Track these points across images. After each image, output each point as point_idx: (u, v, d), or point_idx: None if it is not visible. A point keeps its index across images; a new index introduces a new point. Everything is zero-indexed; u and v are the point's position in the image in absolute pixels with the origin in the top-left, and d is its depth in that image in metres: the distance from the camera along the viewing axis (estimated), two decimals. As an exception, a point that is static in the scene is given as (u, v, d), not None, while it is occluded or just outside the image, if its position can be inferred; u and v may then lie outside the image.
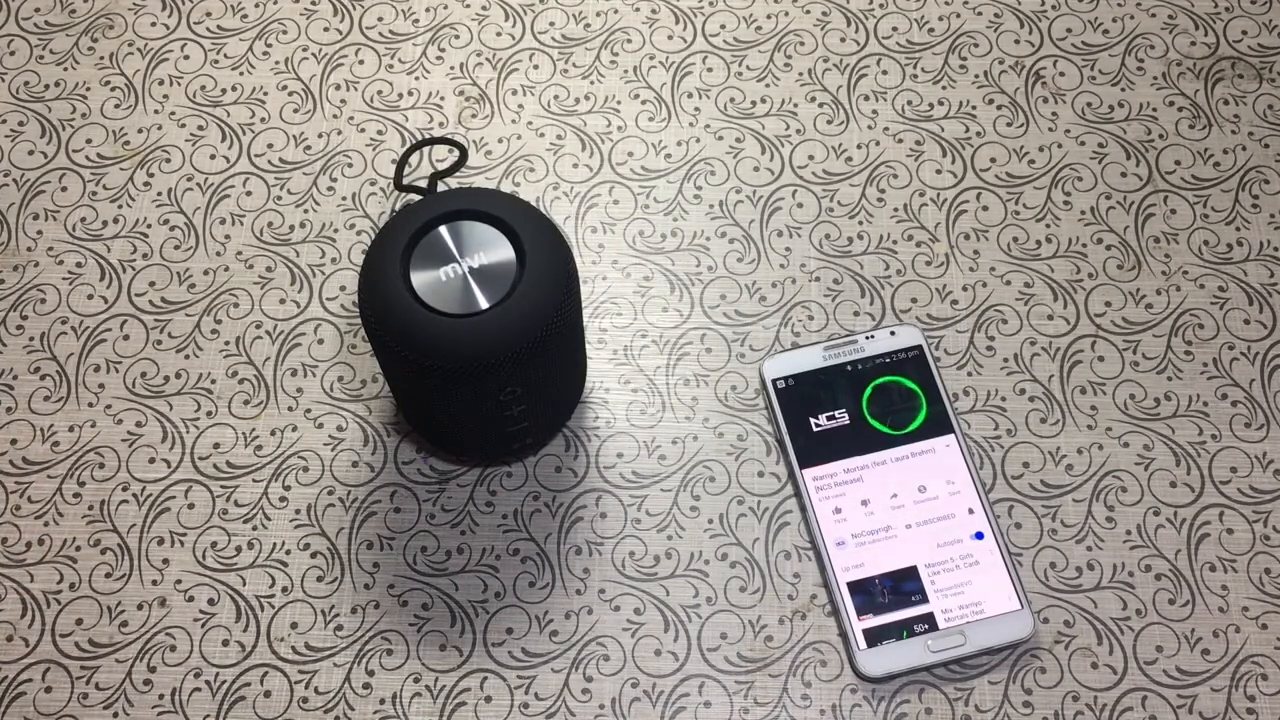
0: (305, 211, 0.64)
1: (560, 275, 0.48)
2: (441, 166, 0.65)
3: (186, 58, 0.68)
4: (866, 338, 0.60)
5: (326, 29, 0.69)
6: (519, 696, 0.54)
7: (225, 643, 0.55)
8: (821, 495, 0.57)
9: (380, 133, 0.66)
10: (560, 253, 0.49)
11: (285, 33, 0.69)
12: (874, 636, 0.54)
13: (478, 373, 0.47)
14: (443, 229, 0.48)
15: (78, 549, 0.57)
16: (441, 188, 0.64)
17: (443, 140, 0.52)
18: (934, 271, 0.63)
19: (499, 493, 0.58)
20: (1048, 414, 0.59)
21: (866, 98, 0.67)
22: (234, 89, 0.67)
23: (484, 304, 0.47)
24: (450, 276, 0.47)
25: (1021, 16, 0.69)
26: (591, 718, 0.54)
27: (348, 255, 0.63)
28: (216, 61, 0.68)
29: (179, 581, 0.56)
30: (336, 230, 0.64)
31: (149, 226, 0.64)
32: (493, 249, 0.48)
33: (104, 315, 0.62)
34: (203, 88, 0.68)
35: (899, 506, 0.57)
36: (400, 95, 0.67)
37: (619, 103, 0.67)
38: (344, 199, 0.65)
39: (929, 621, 0.54)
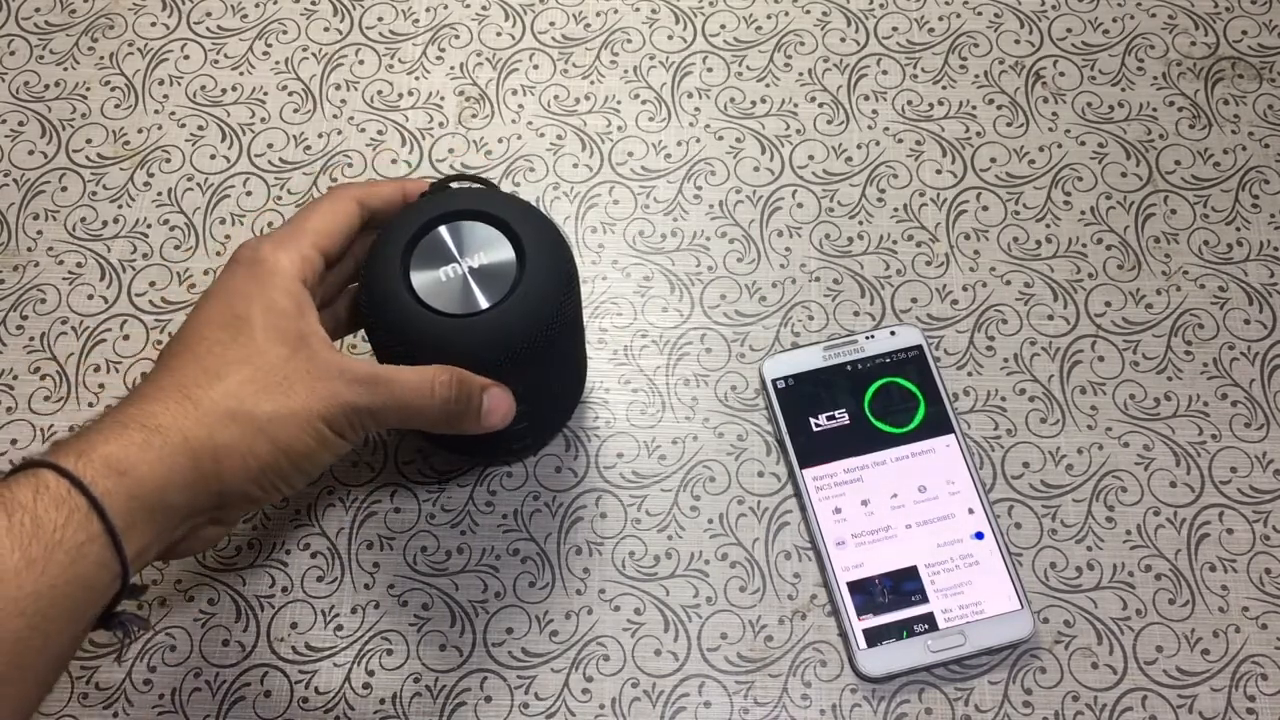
0: (305, 211, 0.64)
1: (560, 275, 0.48)
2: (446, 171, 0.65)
3: (186, 58, 0.68)
4: (866, 338, 0.60)
5: (326, 29, 0.69)
6: (519, 696, 0.54)
7: (225, 643, 0.55)
8: (821, 495, 0.57)
9: (380, 133, 0.66)
10: (560, 253, 0.49)
11: (285, 33, 0.69)
12: (874, 636, 0.54)
13: (477, 373, 0.47)
14: (443, 229, 0.48)
15: (78, 549, 0.57)
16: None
17: (470, 178, 0.52)
18: (934, 271, 0.63)
19: (499, 493, 0.58)
20: (1048, 414, 0.59)
21: (866, 98, 0.67)
22: (234, 89, 0.67)
23: (484, 304, 0.47)
24: (450, 276, 0.47)
25: (1021, 16, 0.69)
26: (591, 718, 0.54)
27: (348, 255, 0.63)
28: (216, 61, 0.68)
29: (179, 581, 0.56)
30: (336, 230, 0.64)
31: (149, 226, 0.64)
32: (493, 249, 0.48)
33: (104, 315, 0.62)
34: (203, 88, 0.68)
35: (899, 506, 0.57)
36: (400, 95, 0.67)
37: (619, 103, 0.67)
38: (344, 199, 0.64)
39: (929, 621, 0.54)
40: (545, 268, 0.48)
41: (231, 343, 0.43)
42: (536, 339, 0.47)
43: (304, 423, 0.43)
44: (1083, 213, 0.64)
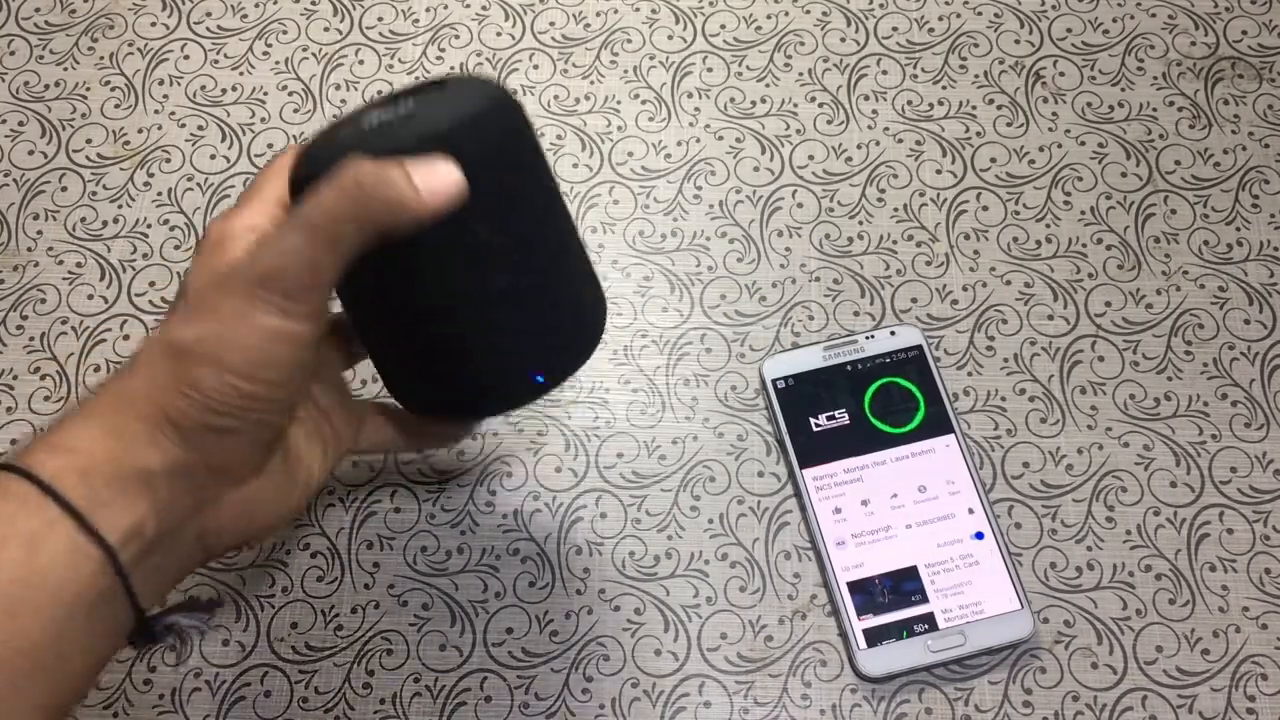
0: (305, 211, 0.64)
1: (487, 85, 0.43)
2: None
3: (186, 58, 0.69)
4: (866, 338, 0.60)
5: (326, 29, 0.69)
6: (519, 696, 0.54)
7: (225, 643, 0.55)
8: (821, 495, 0.57)
9: (380, 133, 0.66)
10: (485, 80, 0.44)
11: (285, 33, 0.69)
12: (874, 636, 0.54)
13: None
14: (375, 111, 0.43)
15: (78, 549, 0.57)
16: None
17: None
18: (934, 271, 0.63)
19: (499, 493, 0.58)
20: (1048, 414, 0.59)
21: (866, 98, 0.67)
22: (234, 89, 0.67)
23: (410, 109, 0.41)
24: (375, 121, 0.41)
25: (1021, 16, 0.69)
26: (591, 718, 0.54)
27: (348, 255, 0.63)
28: (216, 61, 0.68)
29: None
30: (336, 230, 0.64)
31: (149, 226, 0.64)
32: (420, 97, 0.43)
33: (104, 315, 0.62)
34: (203, 88, 0.68)
35: (899, 506, 0.57)
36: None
37: (619, 103, 0.67)
38: (344, 199, 0.64)
39: (929, 621, 0.54)
40: (472, 82, 0.43)
41: (171, 310, 0.40)
42: (465, 121, 0.40)
43: (238, 327, 0.37)
44: (1083, 213, 0.64)
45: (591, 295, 0.47)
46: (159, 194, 0.65)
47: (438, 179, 0.38)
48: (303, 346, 0.38)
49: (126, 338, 0.61)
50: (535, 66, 0.68)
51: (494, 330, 0.43)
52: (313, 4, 0.70)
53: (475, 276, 0.42)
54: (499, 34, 0.69)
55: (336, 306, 0.45)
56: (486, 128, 0.41)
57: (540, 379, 0.45)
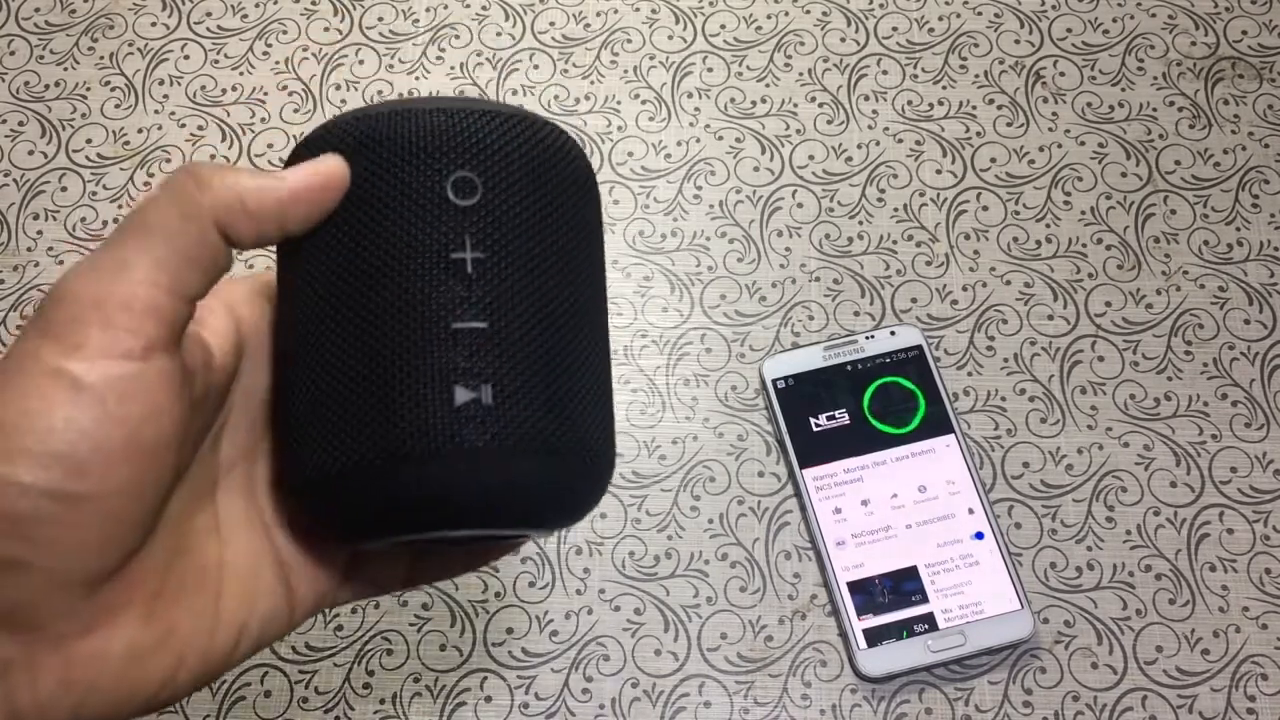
0: (305, 211, 0.64)
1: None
2: None
3: (186, 58, 0.69)
4: (866, 338, 0.60)
5: (326, 29, 0.69)
6: (519, 696, 0.54)
7: (225, 643, 0.55)
8: (821, 495, 0.57)
9: (380, 133, 0.66)
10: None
11: (285, 33, 0.69)
12: (874, 636, 0.54)
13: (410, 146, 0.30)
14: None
15: (78, 549, 0.57)
16: None
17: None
18: (934, 271, 0.63)
19: (499, 493, 0.58)
20: (1048, 414, 0.59)
21: (866, 98, 0.67)
22: (234, 89, 0.67)
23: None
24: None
25: (1021, 16, 0.69)
26: (591, 718, 0.54)
27: (348, 255, 0.63)
28: (216, 61, 0.68)
29: (179, 581, 0.56)
30: (336, 230, 0.64)
31: (149, 226, 0.64)
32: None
33: (104, 315, 0.62)
34: (203, 88, 0.68)
35: (899, 506, 0.57)
36: (401, 95, 0.67)
37: (619, 103, 0.67)
38: (344, 199, 0.64)
39: (929, 621, 0.54)
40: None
41: None
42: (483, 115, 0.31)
43: (17, 382, 0.25)
44: (1083, 213, 0.64)
45: (606, 367, 0.34)
46: (159, 194, 0.65)
47: (308, 167, 0.29)
48: (102, 401, 0.25)
49: (126, 338, 0.61)
50: (535, 66, 0.68)
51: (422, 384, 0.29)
52: (313, 4, 0.70)
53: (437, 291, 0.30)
54: (499, 34, 0.69)
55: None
56: (569, 153, 0.32)
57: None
